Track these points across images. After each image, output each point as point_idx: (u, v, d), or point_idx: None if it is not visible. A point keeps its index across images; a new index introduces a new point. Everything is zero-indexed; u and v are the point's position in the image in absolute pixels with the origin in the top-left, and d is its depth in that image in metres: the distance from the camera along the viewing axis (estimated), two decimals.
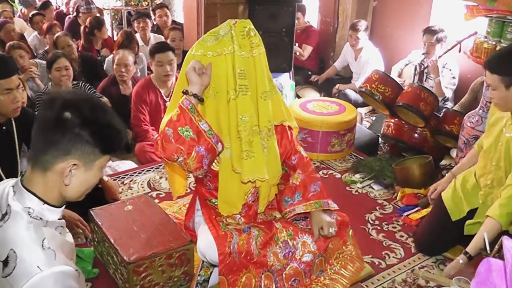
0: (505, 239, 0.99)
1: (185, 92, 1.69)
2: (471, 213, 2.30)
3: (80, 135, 1.15)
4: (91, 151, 1.18)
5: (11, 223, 1.16)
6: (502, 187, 2.08)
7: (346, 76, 4.95)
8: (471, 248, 1.98)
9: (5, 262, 1.12)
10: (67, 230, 1.33)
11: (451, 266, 2.00)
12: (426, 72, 3.91)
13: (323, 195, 1.99)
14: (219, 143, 1.72)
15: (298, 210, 1.95)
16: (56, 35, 4.32)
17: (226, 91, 1.76)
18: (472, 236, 2.08)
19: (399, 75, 4.26)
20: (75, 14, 5.92)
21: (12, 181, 1.26)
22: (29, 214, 1.18)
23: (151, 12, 6.13)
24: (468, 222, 2.26)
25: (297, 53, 4.90)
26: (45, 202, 1.20)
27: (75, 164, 1.18)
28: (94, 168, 1.22)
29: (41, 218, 1.19)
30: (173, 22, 5.63)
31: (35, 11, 5.69)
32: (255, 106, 1.80)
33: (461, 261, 1.96)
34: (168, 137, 1.64)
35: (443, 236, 2.34)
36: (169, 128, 1.65)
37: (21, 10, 6.73)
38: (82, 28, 4.90)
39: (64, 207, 1.27)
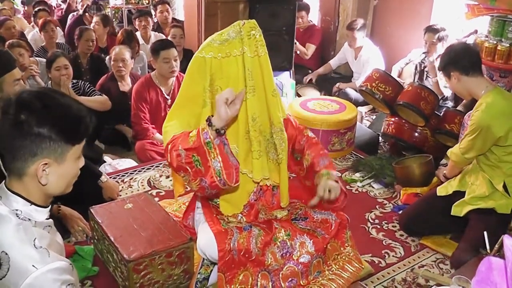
0: (505, 238, 0.99)
1: (208, 124, 1.57)
2: (458, 198, 2.37)
3: (40, 133, 1.13)
4: (57, 146, 1.16)
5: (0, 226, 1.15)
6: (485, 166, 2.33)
7: (346, 75, 4.95)
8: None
9: None
10: (56, 230, 1.32)
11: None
12: (426, 71, 3.90)
13: (331, 168, 1.96)
14: (227, 185, 1.61)
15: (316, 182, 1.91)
16: (83, 27, 4.43)
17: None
18: (457, 218, 2.32)
19: (400, 74, 4.25)
20: (81, 12, 5.94)
21: None
22: (18, 216, 1.17)
23: (152, 9, 6.13)
24: (456, 203, 2.35)
25: (298, 52, 4.89)
26: (32, 203, 1.20)
27: (46, 164, 1.16)
28: (68, 160, 1.20)
29: (29, 219, 1.19)
30: (174, 19, 5.63)
31: (39, 7, 5.73)
32: (263, 105, 1.81)
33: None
34: (180, 156, 1.61)
35: (427, 215, 2.45)
36: (183, 149, 1.60)
37: (24, 7, 6.75)
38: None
39: (50, 206, 1.27)
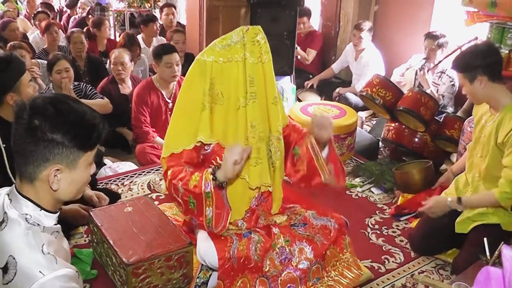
0: (504, 248, 0.99)
1: (213, 178, 1.65)
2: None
3: (53, 140, 1.13)
4: (69, 152, 1.16)
5: (9, 230, 1.16)
6: (490, 176, 2.21)
7: (347, 80, 4.95)
8: (465, 198, 2.26)
9: (5, 269, 1.12)
10: (63, 236, 1.32)
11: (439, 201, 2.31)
12: (426, 78, 3.91)
13: None
14: (212, 230, 1.76)
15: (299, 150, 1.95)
16: (71, 30, 4.42)
17: (236, 98, 1.76)
18: (463, 235, 2.22)
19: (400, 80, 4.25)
20: (84, 14, 5.97)
21: (5, 189, 1.26)
22: (27, 220, 1.17)
23: (158, 11, 6.14)
24: (458, 220, 2.30)
25: (299, 57, 4.90)
26: (41, 208, 1.20)
27: (57, 169, 1.16)
28: (80, 166, 1.20)
29: (38, 224, 1.19)
30: (178, 23, 5.65)
31: (39, 10, 5.79)
32: (264, 112, 1.81)
33: (449, 199, 2.26)
34: (178, 192, 1.73)
35: (435, 233, 2.36)
36: (182, 187, 1.70)
37: (26, 9, 6.80)
38: (85, 29, 4.94)
39: (59, 213, 1.27)
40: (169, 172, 1.77)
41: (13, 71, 2.12)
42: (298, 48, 4.74)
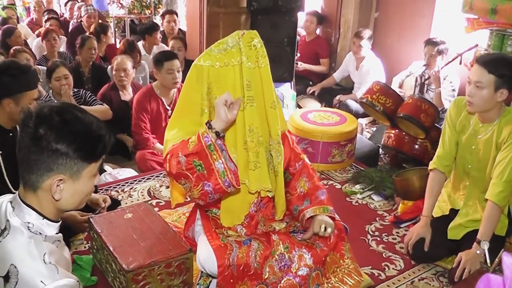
0: (504, 255, 0.98)
1: (208, 127, 1.61)
2: (454, 215, 2.33)
3: (58, 150, 1.12)
4: (73, 163, 1.15)
5: (11, 238, 1.15)
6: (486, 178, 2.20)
7: (347, 87, 4.97)
8: (481, 234, 2.09)
9: (6, 278, 1.12)
10: (64, 244, 1.32)
11: (472, 259, 2.07)
12: (426, 84, 3.92)
13: (329, 203, 1.98)
14: (231, 187, 1.63)
15: (307, 215, 1.91)
16: (87, 35, 4.47)
17: None
18: (458, 242, 2.21)
19: (400, 86, 4.27)
20: (80, 20, 6.00)
21: (8, 196, 1.26)
22: (29, 229, 1.17)
23: (159, 18, 6.17)
24: (450, 226, 2.29)
25: (299, 67, 4.93)
26: (44, 217, 1.20)
27: (60, 180, 1.15)
28: (83, 177, 1.19)
29: (40, 233, 1.18)
30: (179, 30, 5.67)
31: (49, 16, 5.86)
32: (263, 116, 1.82)
33: (478, 251, 2.06)
34: (180, 164, 1.61)
35: (432, 239, 2.33)
36: (182, 155, 1.61)
37: (34, 16, 6.85)
38: (87, 34, 4.96)
39: (60, 222, 1.27)
40: (168, 156, 1.66)
41: (22, 82, 2.12)
42: (309, 65, 4.94)
